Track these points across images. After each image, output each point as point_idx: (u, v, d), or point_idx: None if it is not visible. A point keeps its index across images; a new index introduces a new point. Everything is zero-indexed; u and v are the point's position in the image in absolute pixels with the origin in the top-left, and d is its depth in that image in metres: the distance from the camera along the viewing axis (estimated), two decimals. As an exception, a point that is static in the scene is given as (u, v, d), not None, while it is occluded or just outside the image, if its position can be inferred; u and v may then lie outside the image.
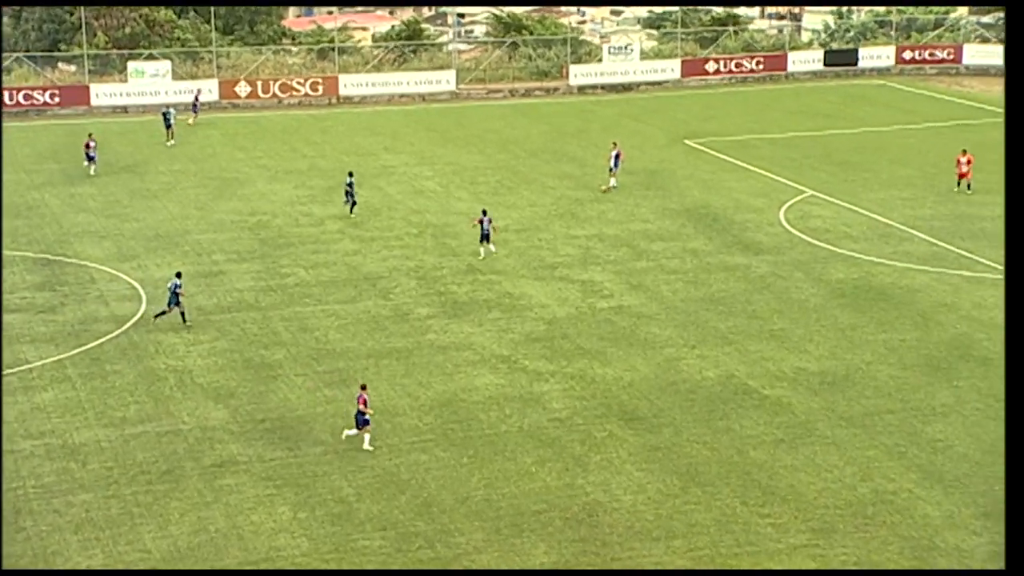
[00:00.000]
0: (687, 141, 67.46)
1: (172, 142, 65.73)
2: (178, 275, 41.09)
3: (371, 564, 27.20)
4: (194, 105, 72.65)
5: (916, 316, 41.18)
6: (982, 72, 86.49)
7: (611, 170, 56.66)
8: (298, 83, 78.74)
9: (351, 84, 79.65)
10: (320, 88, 78.95)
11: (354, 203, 52.73)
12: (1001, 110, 74.51)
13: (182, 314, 40.40)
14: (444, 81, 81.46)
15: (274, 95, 78.26)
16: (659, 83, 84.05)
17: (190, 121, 71.38)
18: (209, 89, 77.05)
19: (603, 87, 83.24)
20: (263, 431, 33.30)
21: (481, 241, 47.00)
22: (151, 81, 76.31)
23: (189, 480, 30.69)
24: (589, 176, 59.11)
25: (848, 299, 42.83)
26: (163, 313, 40.37)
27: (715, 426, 33.45)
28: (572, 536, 28.15)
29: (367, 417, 31.97)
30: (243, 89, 77.85)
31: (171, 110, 67.30)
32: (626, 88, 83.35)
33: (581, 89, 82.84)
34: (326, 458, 31.80)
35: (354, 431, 32.20)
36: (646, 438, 32.79)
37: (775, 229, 51.07)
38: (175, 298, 40.21)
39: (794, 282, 44.58)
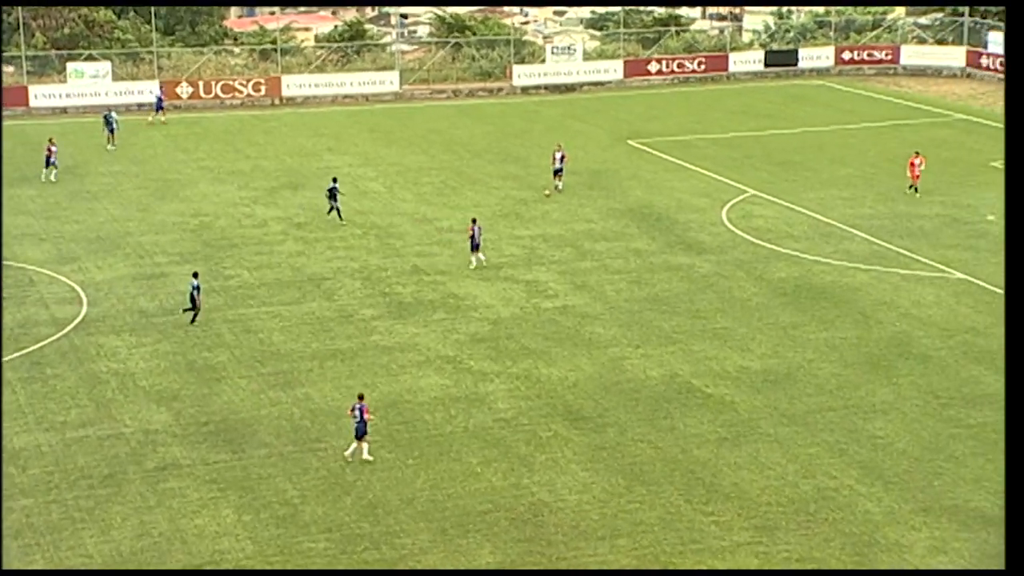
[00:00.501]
0: (630, 141, 67.77)
1: (112, 147, 64.75)
2: (195, 275, 41.08)
3: (316, 566, 27.13)
4: (158, 103, 72.95)
5: (856, 314, 41.64)
6: (919, 72, 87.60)
7: (557, 172, 56.50)
8: (240, 84, 78.28)
9: (294, 85, 79.31)
10: (263, 89, 78.55)
11: (338, 209, 51.59)
12: (937, 109, 75.52)
13: (194, 315, 40.49)
14: (387, 82, 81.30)
15: (216, 96, 77.75)
16: (602, 83, 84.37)
17: (157, 119, 71.83)
18: (150, 90, 76.41)
19: (546, 87, 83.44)
20: (207, 434, 33.10)
21: (472, 250, 46.08)
22: (91, 82, 75.58)
23: (131, 484, 30.45)
24: (533, 176, 59.24)
25: (790, 298, 43.24)
26: (195, 312, 40.52)
27: (659, 425, 33.66)
28: (518, 536, 28.23)
29: (366, 426, 31.36)
30: (184, 90, 77.30)
31: (113, 113, 66.35)
32: (569, 88, 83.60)
33: (525, 90, 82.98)
34: (271, 460, 31.66)
35: (353, 446, 31.38)
36: (591, 438, 32.93)
37: (718, 229, 51.43)
38: (196, 295, 40.36)
39: (737, 281, 44.93)
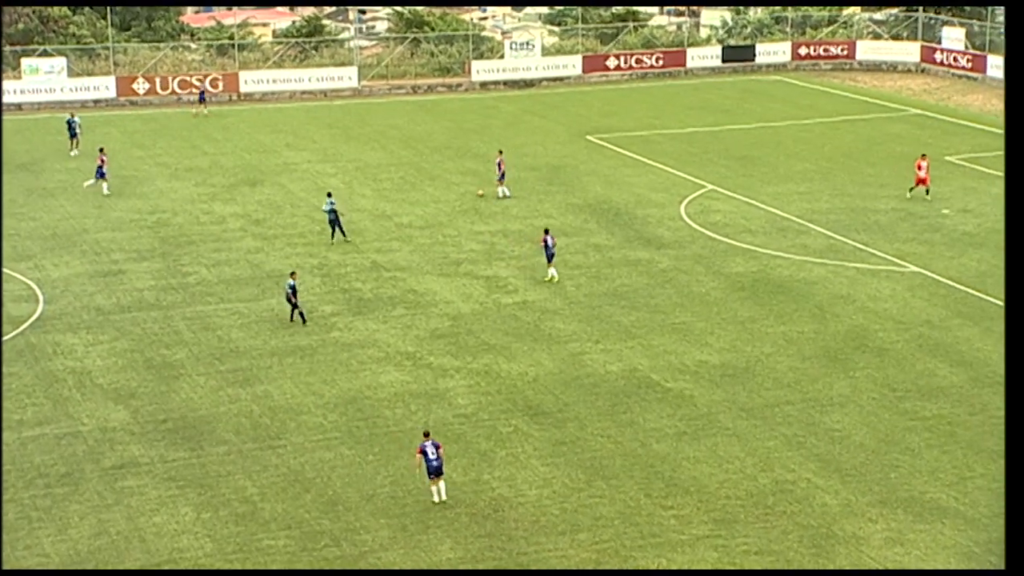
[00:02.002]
0: (589, 137, 67.92)
1: (75, 152, 62.70)
2: (292, 274, 40.68)
3: (276, 563, 27.07)
4: (201, 95, 72.96)
5: (813, 308, 41.93)
6: (874, 68, 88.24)
7: (500, 179, 55.97)
8: (198, 80, 77.83)
9: (252, 81, 78.96)
10: (220, 85, 78.14)
11: (341, 229, 48.76)
12: (893, 104, 76.09)
13: (293, 313, 40.08)
14: (346, 78, 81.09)
15: (173, 92, 77.31)
16: (561, 79, 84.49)
17: (204, 112, 71.83)
18: (106, 86, 75.87)
19: (505, 83, 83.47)
20: (165, 431, 32.95)
21: (549, 262, 44.35)
22: (46, 78, 74.97)
23: (89, 482, 30.27)
24: (493, 172, 59.19)
25: (748, 292, 43.49)
26: (299, 311, 40.13)
27: (619, 419, 33.79)
28: (478, 532, 28.27)
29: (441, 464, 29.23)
30: (141, 86, 76.78)
31: (76, 118, 63.87)
32: (528, 84, 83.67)
33: (483, 85, 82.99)
34: (230, 458, 31.56)
35: (434, 488, 29.18)
36: (551, 433, 33.02)
37: (676, 224, 51.65)
38: (293, 294, 39.85)
39: (695, 276, 45.14)
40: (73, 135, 63.07)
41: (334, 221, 48.70)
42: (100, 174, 55.65)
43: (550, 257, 44.40)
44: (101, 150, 57.23)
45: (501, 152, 57.06)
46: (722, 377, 36.48)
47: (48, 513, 28.87)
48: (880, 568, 26.95)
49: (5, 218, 51.74)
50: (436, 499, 29.02)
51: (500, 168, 55.52)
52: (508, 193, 55.25)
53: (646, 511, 29.12)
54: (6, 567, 26.86)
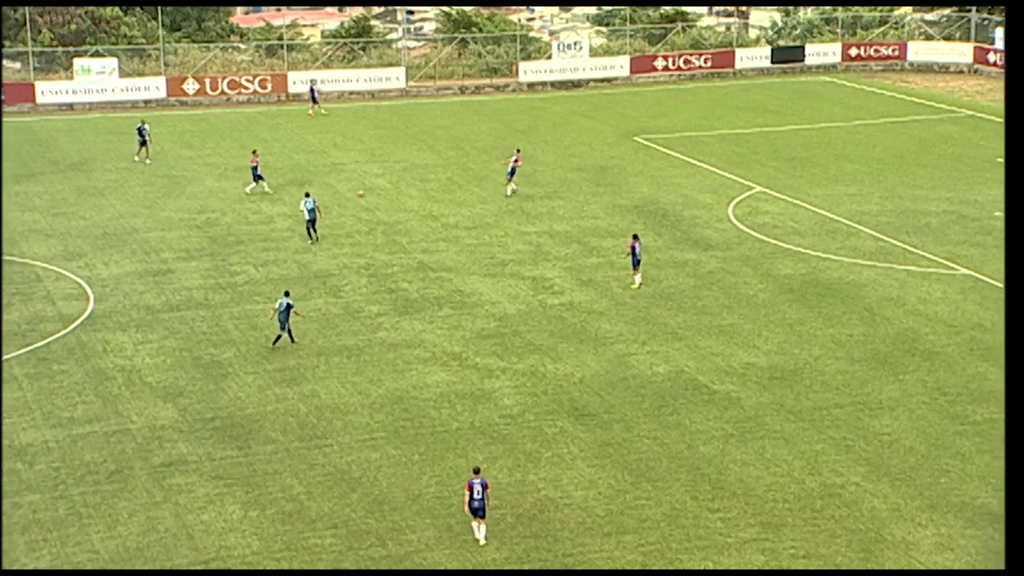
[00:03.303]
0: (636, 138, 67.73)
1: (141, 160, 61.40)
2: (287, 294, 39.24)
3: (322, 562, 27.15)
4: (312, 95, 73.33)
5: (863, 311, 41.58)
6: (926, 69, 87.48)
7: (509, 176, 55.68)
8: (247, 80, 78.32)
9: (300, 81, 79.30)
10: (269, 85, 78.57)
11: (314, 229, 48.89)
12: (944, 106, 75.36)
13: (288, 332, 38.50)
14: (394, 78, 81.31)
15: (223, 92, 77.81)
16: (608, 80, 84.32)
17: (323, 111, 72.17)
18: (156, 86, 76.49)
19: (553, 84, 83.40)
20: (213, 430, 33.14)
21: (634, 267, 43.76)
22: (98, 78, 75.64)
23: (138, 480, 30.49)
24: (540, 173, 59.21)
25: (796, 294, 43.19)
26: (279, 338, 38.61)
27: (665, 421, 33.64)
28: (523, 532, 28.23)
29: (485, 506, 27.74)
30: (191, 86, 77.33)
31: (146, 126, 62.42)
32: (576, 85, 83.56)
33: (531, 86, 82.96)
34: (277, 456, 31.69)
35: (475, 525, 27.81)
36: (597, 434, 32.92)
37: (724, 225, 51.39)
38: (286, 316, 38.32)
39: (743, 278, 44.89)
40: (143, 142, 61.53)
41: (312, 220, 48.50)
42: (256, 176, 55.21)
43: (636, 263, 43.80)
44: (254, 152, 56.88)
45: (519, 151, 57.15)
46: (770, 379, 36.24)
47: (98, 510, 29.10)
48: (925, 568, 26.67)
49: (56, 217, 52.26)
50: (476, 535, 27.63)
51: (514, 163, 55.45)
52: (515, 190, 55.26)
53: (692, 513, 28.97)
54: (13, 568, 27.09)
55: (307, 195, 49.57)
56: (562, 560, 27.24)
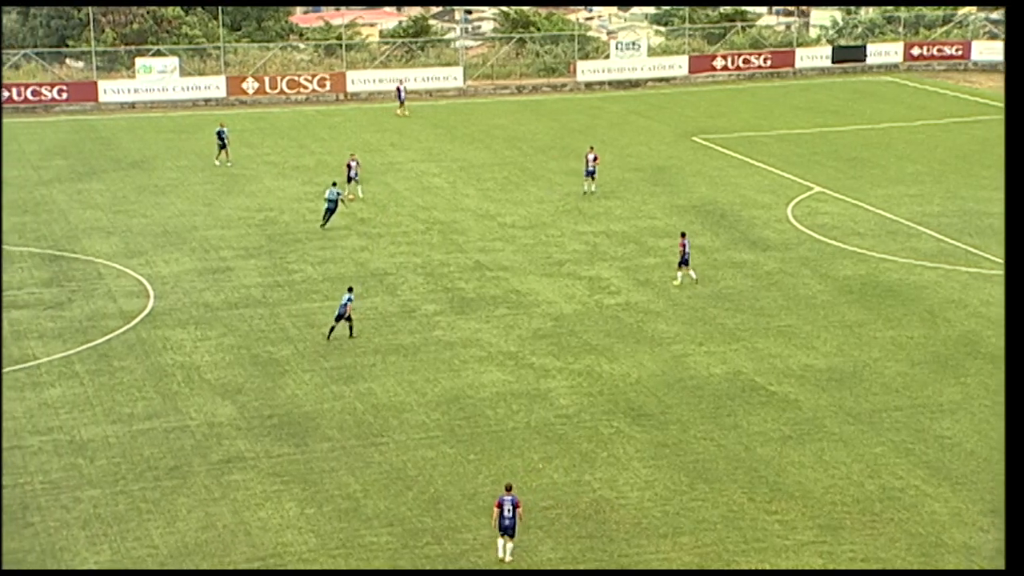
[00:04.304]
0: (695, 137, 67.41)
1: (223, 163, 60.95)
2: (350, 289, 39.72)
3: (378, 560, 27.22)
4: (401, 94, 73.59)
5: (924, 313, 41.11)
6: (990, 68, 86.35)
7: (590, 174, 55.27)
8: (306, 79, 78.76)
9: (359, 80, 79.66)
10: (328, 84, 78.96)
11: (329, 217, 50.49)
12: (1009, 106, 74.33)
13: (350, 328, 39.02)
14: (451, 77, 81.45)
15: (282, 91, 78.30)
16: (667, 79, 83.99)
17: (405, 113, 72.36)
18: (216, 85, 77.11)
19: (611, 83, 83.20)
20: (270, 427, 33.33)
21: (680, 265, 43.80)
22: (159, 77, 76.38)
23: (196, 476, 30.73)
24: (597, 173, 59.02)
25: (856, 296, 42.78)
26: (345, 329, 39.11)
27: (722, 423, 33.44)
28: (579, 532, 28.15)
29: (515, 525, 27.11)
30: (251, 85, 77.89)
31: (225, 129, 61.74)
32: (634, 84, 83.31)
33: (589, 85, 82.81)
34: (333, 454, 31.81)
35: (501, 542, 27.16)
36: (653, 435, 32.78)
37: (783, 226, 51.02)
38: (344, 310, 38.73)
39: (802, 279, 44.54)
40: (223, 145, 61.13)
41: (332, 210, 50.12)
42: (350, 178, 54.67)
43: (685, 261, 43.76)
44: (352, 155, 56.13)
45: (592, 148, 57.05)
46: (828, 381, 35.92)
47: (157, 505, 29.35)
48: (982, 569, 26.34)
49: (117, 215, 52.81)
50: (500, 555, 26.98)
51: (591, 163, 55.30)
52: (593, 191, 55.15)
53: (749, 515, 28.76)
54: (68, 565, 27.36)
55: (333, 184, 51.43)
56: (617, 561, 27.13)
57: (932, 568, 26.74)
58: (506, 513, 26.84)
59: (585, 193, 55.24)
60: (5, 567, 26.94)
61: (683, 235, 44.52)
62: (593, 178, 55.51)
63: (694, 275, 43.92)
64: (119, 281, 44.62)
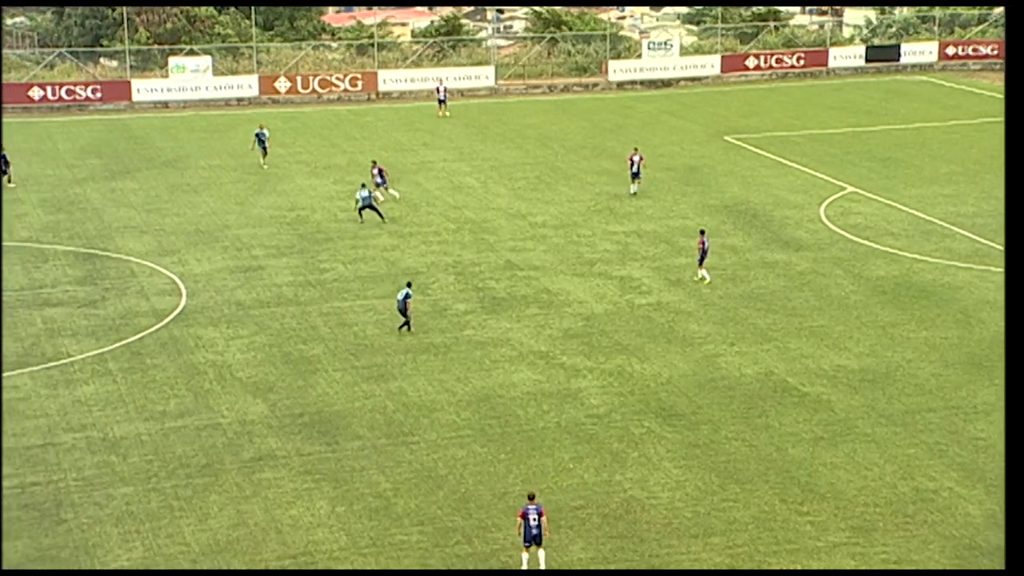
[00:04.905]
0: (726, 137, 67.18)
1: (266, 166, 60.55)
2: (408, 284, 40.03)
3: (408, 559, 27.24)
4: (442, 95, 73.06)
5: (958, 314, 40.83)
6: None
7: (635, 176, 55.28)
8: (337, 79, 78.96)
9: (390, 80, 79.80)
10: (359, 84, 79.13)
11: (363, 209, 51.02)
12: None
13: (407, 323, 39.40)
14: (483, 77, 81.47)
15: (313, 91, 78.52)
16: (699, 79, 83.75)
17: (446, 114, 72.11)
18: (249, 84, 77.40)
19: (642, 83, 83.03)
20: (302, 425, 33.41)
21: (700, 263, 43.95)
22: (192, 77, 76.72)
23: (228, 474, 30.83)
24: (628, 172, 58.89)
25: (889, 296, 42.53)
26: (405, 324, 39.40)
27: (754, 423, 33.30)
28: (610, 532, 28.09)
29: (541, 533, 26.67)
30: (283, 85, 78.13)
31: (265, 131, 61.50)
32: (665, 84, 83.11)
33: (620, 85, 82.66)
34: (364, 453, 31.86)
35: (525, 555, 26.68)
36: (684, 435, 32.68)
37: (815, 226, 50.78)
38: (403, 305, 39.11)
39: (834, 279, 44.31)
40: (263, 148, 60.91)
41: (366, 207, 50.72)
42: (381, 183, 54.21)
43: (703, 259, 43.87)
44: (374, 163, 55.47)
45: (637, 149, 56.81)
46: (861, 382, 35.71)
47: (189, 503, 29.47)
48: None
49: (151, 213, 53.07)
50: (525, 566, 26.56)
51: (637, 165, 55.10)
52: (637, 191, 55.04)
53: (781, 516, 28.63)
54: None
55: (363, 186, 51.79)
56: (648, 561, 27.06)
57: (965, 569, 26.55)
58: (532, 522, 26.52)
59: (632, 194, 54.95)
60: (34, 564, 27.12)
61: (702, 233, 44.61)
62: (639, 179, 55.26)
63: (707, 276, 43.87)
64: (152, 279, 44.83)
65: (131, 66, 78.78)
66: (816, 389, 35.32)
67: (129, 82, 76.46)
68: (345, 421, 33.66)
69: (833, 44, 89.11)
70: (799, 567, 26.72)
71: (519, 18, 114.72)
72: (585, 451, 31.80)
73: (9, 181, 56.27)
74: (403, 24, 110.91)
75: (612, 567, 26.90)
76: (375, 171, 54.45)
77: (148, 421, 33.65)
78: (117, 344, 38.88)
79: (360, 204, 50.94)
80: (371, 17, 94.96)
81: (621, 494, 29.70)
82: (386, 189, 54.23)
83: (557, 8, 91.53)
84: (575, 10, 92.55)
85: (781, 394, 35.03)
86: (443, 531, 28.23)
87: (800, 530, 28.08)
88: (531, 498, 26.97)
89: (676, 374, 36.43)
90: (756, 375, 36.30)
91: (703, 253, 43.89)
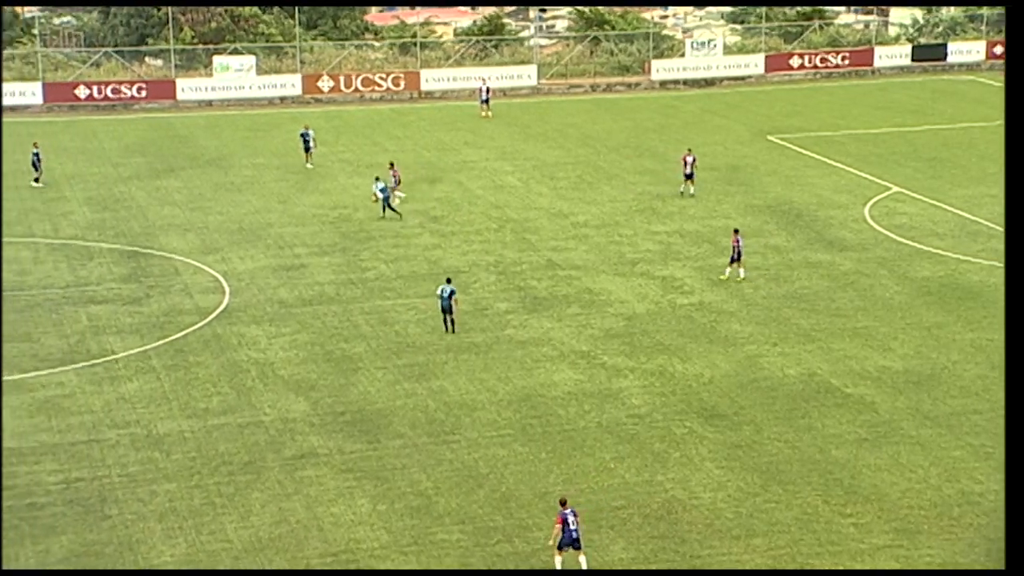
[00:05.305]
0: (770, 137, 66.83)
1: (310, 165, 60.53)
2: (448, 280, 40.08)
3: (449, 558, 27.24)
4: (485, 95, 72.77)
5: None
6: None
7: (688, 176, 54.92)
8: (380, 78, 79.15)
9: (433, 79, 79.92)
10: (402, 83, 79.29)
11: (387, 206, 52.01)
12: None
13: (451, 322, 39.35)
14: (525, 76, 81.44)
15: (356, 90, 78.74)
16: (742, 78, 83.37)
17: (488, 114, 71.88)
18: (292, 83, 77.72)
19: (685, 82, 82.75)
20: (343, 423, 33.50)
21: (732, 261, 43.86)
22: (235, 76, 77.13)
23: (270, 471, 30.95)
24: (670, 172, 58.73)
25: (934, 297, 42.16)
26: (450, 323, 39.39)
27: (796, 424, 33.09)
28: (651, 533, 27.99)
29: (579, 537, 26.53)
30: (326, 84, 78.41)
31: (310, 131, 61.43)
32: (709, 83, 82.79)
33: (663, 84, 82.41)
34: (405, 451, 31.90)
35: (559, 558, 26.51)
36: (726, 435, 32.52)
37: (859, 226, 50.42)
38: (448, 303, 39.15)
39: (879, 279, 43.98)
40: (308, 148, 60.74)
41: (387, 199, 51.55)
42: (396, 181, 54.24)
43: (737, 257, 43.74)
44: (392, 164, 55.51)
45: (690, 150, 56.15)
46: (905, 384, 35.41)
47: (231, 500, 29.60)
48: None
49: (194, 212, 53.39)
50: (559, 567, 26.45)
51: (690, 165, 54.56)
52: (692, 192, 54.76)
53: (824, 518, 28.43)
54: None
55: (376, 179, 52.69)
56: (690, 562, 26.94)
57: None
58: (571, 526, 26.33)
59: (689, 195, 54.66)
60: (79, 559, 27.33)
61: (736, 232, 44.48)
62: (692, 180, 54.93)
63: (742, 273, 43.79)
64: (195, 277, 45.10)
65: (176, 65, 79.30)
66: (860, 390, 35.06)
67: (174, 81, 76.98)
68: (386, 419, 33.71)
69: (879, 43, 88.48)
70: (841, 569, 26.52)
71: (562, 17, 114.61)
72: (626, 451, 31.71)
73: (37, 180, 56.53)
74: (445, 23, 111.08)
75: (653, 567, 26.79)
76: (393, 172, 54.53)
77: (191, 418, 33.85)
78: (161, 341, 39.13)
79: (380, 197, 51.54)
80: (414, 16, 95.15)
81: (662, 494, 29.59)
82: (393, 190, 54.29)
83: (600, 7, 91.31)
84: (618, 9, 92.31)
85: (824, 395, 34.80)
86: (484, 530, 28.22)
87: (843, 532, 27.88)
88: (563, 503, 26.82)
89: (718, 374, 36.27)
90: (799, 376, 36.08)
91: (737, 252, 43.73)
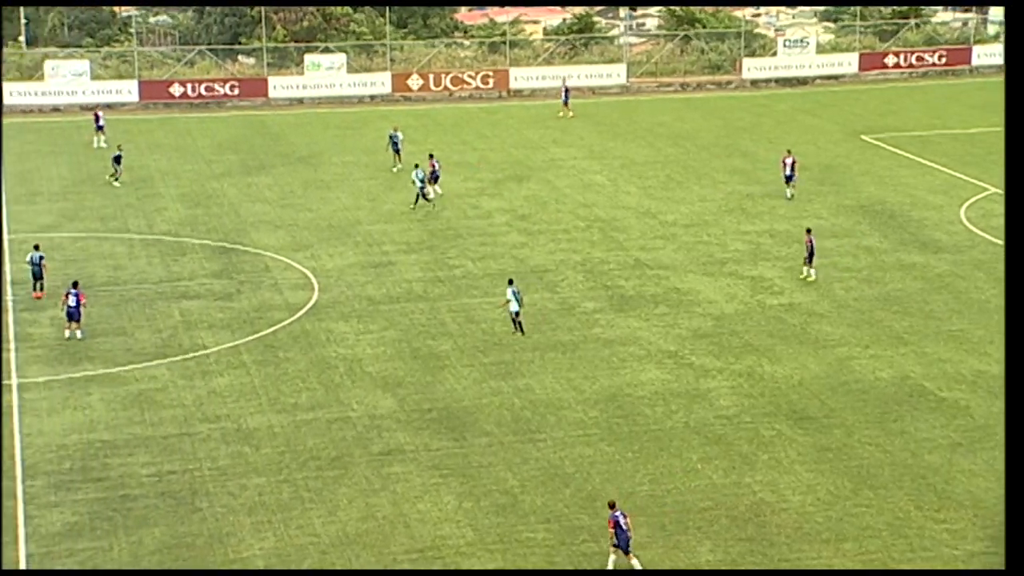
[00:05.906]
0: (863, 136, 65.91)
1: (400, 166, 59.26)
2: (510, 282, 40.01)
3: (535, 556, 27.20)
4: (564, 95, 72.57)
5: (1105, 319, 39.42)
6: None
7: (788, 179, 54.05)
8: (469, 76, 79.31)
9: (521, 77, 79.88)
10: (491, 81, 79.37)
11: (421, 196, 53.04)
12: None
13: (517, 324, 39.24)
14: (615, 75, 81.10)
15: (445, 88, 78.98)
16: (835, 77, 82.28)
17: (569, 114, 71.76)
18: (382, 82, 78.18)
19: (777, 81, 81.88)
20: (430, 420, 33.60)
21: (807, 261, 43.58)
22: (326, 74, 77.74)
23: (357, 467, 31.14)
24: (761, 171, 58.18)
25: (1031, 300, 41.24)
26: (518, 326, 39.35)
27: (888, 428, 32.57)
28: (739, 535, 27.71)
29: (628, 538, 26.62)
30: (415, 82, 78.76)
31: (399, 133, 60.74)
32: (801, 82, 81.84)
33: (754, 83, 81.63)
34: (491, 449, 31.91)
35: (612, 557, 26.69)
36: (816, 438, 32.10)
37: (955, 227, 49.53)
38: (517, 305, 39.12)
39: (974, 282, 43.16)
40: (396, 150, 60.02)
41: (422, 189, 52.09)
42: (434, 178, 54.58)
43: (810, 257, 43.45)
44: (431, 155, 55.85)
45: (790, 152, 55.40)
46: (1002, 388, 34.68)
47: (319, 495, 29.82)
48: None
49: (285, 209, 53.90)
50: (611, 567, 26.56)
51: (790, 168, 53.85)
52: (791, 195, 54.05)
53: (916, 523, 27.95)
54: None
55: (416, 166, 53.55)
56: (778, 565, 26.64)
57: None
58: (624, 527, 26.28)
59: (791, 198, 53.75)
60: (170, 551, 27.68)
61: (808, 231, 44.10)
62: (793, 182, 54.10)
63: (813, 274, 43.46)
64: (285, 274, 45.53)
65: (268, 63, 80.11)
66: (954, 394, 34.43)
67: (266, 79, 77.77)
68: (473, 417, 33.76)
69: (977, 42, 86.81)
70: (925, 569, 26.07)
71: (652, 16, 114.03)
72: (714, 452, 31.43)
73: (115, 180, 57.22)
74: (535, 22, 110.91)
75: (741, 569, 26.54)
76: (431, 164, 54.72)
77: (280, 413, 34.16)
78: (251, 337, 39.55)
79: (420, 186, 52.56)
80: (504, 15, 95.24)
81: (750, 496, 29.28)
82: (432, 182, 54.48)
83: (691, 6, 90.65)
84: (709, 8, 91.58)
85: (917, 399, 34.22)
86: (569, 529, 28.14)
87: (936, 538, 27.38)
88: (612, 506, 26.71)
89: (808, 376, 35.82)
90: (891, 379, 35.51)
91: (810, 252, 43.34)
